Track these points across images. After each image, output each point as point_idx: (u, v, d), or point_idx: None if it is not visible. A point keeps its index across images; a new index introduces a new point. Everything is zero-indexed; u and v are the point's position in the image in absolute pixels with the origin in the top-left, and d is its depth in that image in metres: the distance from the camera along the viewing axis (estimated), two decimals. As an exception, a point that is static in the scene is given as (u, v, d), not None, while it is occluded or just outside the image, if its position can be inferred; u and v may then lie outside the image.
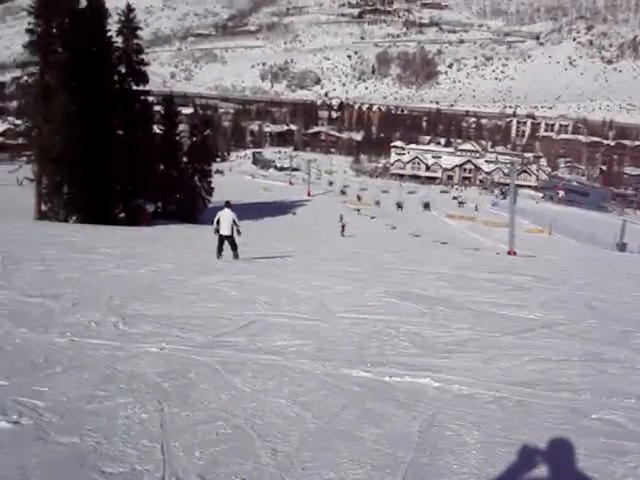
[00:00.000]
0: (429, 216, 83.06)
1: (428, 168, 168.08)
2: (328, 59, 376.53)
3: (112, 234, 26.89)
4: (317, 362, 7.05)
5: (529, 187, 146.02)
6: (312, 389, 6.09)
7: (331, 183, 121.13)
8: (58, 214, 39.75)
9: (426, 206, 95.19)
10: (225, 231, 17.93)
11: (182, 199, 53.09)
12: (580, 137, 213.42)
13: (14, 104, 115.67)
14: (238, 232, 18.24)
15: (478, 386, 6.45)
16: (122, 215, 45.06)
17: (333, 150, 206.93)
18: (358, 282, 14.40)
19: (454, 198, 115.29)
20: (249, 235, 34.34)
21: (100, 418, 4.99)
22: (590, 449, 4.95)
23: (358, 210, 79.51)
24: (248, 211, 57.68)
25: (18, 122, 42.81)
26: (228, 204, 18.83)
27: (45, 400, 5.29)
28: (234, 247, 18.10)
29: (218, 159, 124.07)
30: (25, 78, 40.45)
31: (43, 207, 39.89)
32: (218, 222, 18.09)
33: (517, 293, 14.42)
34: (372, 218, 69.82)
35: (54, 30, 39.48)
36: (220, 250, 17.98)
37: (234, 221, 18.05)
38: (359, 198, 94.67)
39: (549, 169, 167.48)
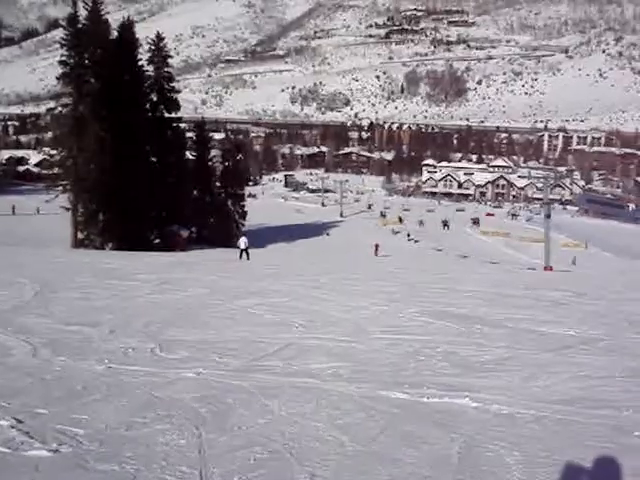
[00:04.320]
0: (463, 233, 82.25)
1: (460, 185, 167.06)
2: (357, 80, 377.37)
3: (148, 260, 27.12)
4: (354, 384, 7.02)
5: (564, 202, 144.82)
6: (349, 412, 6.06)
7: (370, 206, 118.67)
8: (94, 242, 40.17)
9: (475, 222, 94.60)
10: (242, 246, 31.51)
11: (216, 224, 53.31)
12: (613, 149, 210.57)
13: (49, 135, 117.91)
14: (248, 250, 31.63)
15: (518, 405, 6.37)
16: (157, 241, 45.41)
17: (364, 170, 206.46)
18: (393, 302, 14.34)
19: (488, 214, 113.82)
20: (282, 258, 34.52)
21: (139, 445, 5.02)
22: (634, 468, 4.85)
23: (394, 231, 78.15)
24: (281, 233, 57.93)
25: (53, 152, 43.47)
26: (244, 233, 35.84)
27: (84, 428, 5.33)
28: (248, 255, 31.24)
29: (251, 183, 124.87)
30: (59, 109, 41.09)
31: (79, 235, 40.36)
32: (240, 244, 31.88)
33: (555, 309, 14.25)
34: (415, 241, 67.34)
35: (87, 61, 40.09)
36: (241, 256, 31.08)
37: (247, 244, 31.76)
38: (401, 220, 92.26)
39: (583, 182, 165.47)
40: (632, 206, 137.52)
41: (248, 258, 30.78)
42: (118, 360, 7.83)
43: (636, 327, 11.94)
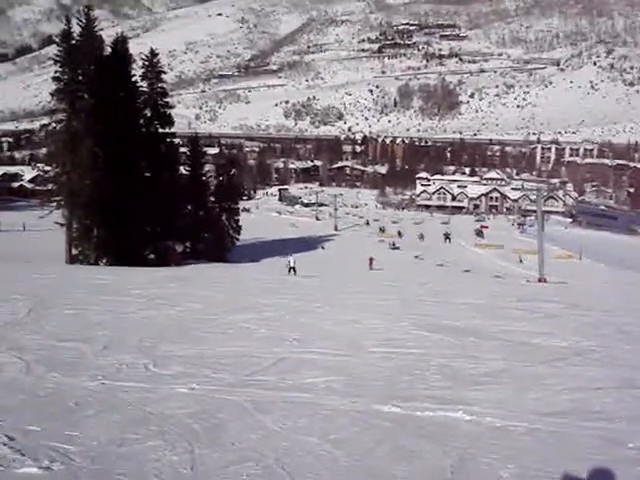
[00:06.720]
0: (458, 246, 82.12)
1: (454, 198, 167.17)
2: (350, 94, 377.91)
3: (142, 275, 27.02)
4: (347, 398, 7.01)
5: (557, 212, 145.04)
6: (343, 426, 6.05)
7: (368, 222, 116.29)
8: (89, 257, 40.06)
9: (479, 234, 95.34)
10: (292, 264, 34.70)
11: (210, 238, 53.25)
12: (605, 161, 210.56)
13: (43, 151, 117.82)
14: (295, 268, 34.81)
15: (511, 418, 6.37)
16: (151, 256, 45.32)
17: (358, 184, 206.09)
18: (387, 315, 14.33)
19: (483, 227, 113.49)
20: (277, 272, 34.53)
21: (131, 461, 5.00)
22: (628, 479, 4.85)
23: (393, 244, 77.58)
24: (276, 247, 57.85)
25: (47, 168, 43.53)
26: (291, 254, 37.18)
27: (76, 444, 5.31)
28: (295, 271, 34.18)
29: (245, 197, 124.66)
30: (53, 125, 41.08)
31: (74, 251, 40.25)
32: (289, 261, 35.30)
33: (548, 321, 14.26)
34: (416, 257, 64.07)
35: (80, 77, 40.09)
36: (289, 272, 34.01)
37: (295, 261, 35.09)
38: (400, 234, 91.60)
39: (576, 194, 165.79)
40: None
41: (295, 274, 33.67)
42: (111, 376, 7.81)
43: (629, 338, 11.96)
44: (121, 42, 44.26)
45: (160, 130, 47.09)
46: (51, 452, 5.11)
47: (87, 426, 5.82)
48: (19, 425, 5.77)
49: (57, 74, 39.98)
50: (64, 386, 7.31)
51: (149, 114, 46.74)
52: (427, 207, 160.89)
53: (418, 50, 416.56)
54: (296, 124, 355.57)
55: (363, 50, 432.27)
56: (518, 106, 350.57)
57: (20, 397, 6.79)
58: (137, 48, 60.58)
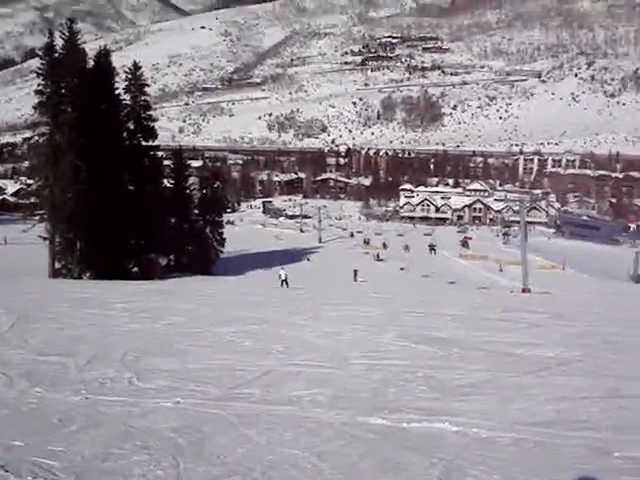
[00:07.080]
0: (442, 257, 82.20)
1: (438, 209, 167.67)
2: (333, 107, 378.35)
3: (125, 289, 26.88)
4: (333, 411, 6.99)
5: (540, 223, 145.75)
6: (328, 439, 6.02)
7: (352, 234, 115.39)
8: (72, 271, 39.81)
9: (464, 244, 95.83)
10: (283, 277, 36.30)
11: (194, 251, 53.09)
12: (587, 171, 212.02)
13: (26, 164, 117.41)
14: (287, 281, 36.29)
15: (497, 428, 6.37)
16: (135, 269, 45.11)
17: (342, 196, 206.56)
18: (372, 327, 14.32)
19: (466, 238, 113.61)
20: (261, 284, 34.47)
21: (115, 477, 4.95)
22: (614, 489, 4.86)
23: (377, 256, 77.28)
24: (260, 260, 57.79)
25: (30, 182, 43.35)
26: (282, 267, 39.15)
27: (60, 460, 5.25)
28: (287, 284, 35.67)
29: (229, 210, 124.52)
30: (36, 138, 40.93)
31: (57, 265, 40.00)
32: (280, 274, 36.86)
33: (532, 331, 14.30)
34: (401, 269, 63.55)
35: (63, 90, 39.98)
36: (281, 284, 35.41)
37: (286, 275, 36.63)
38: (385, 246, 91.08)
39: (559, 205, 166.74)
40: (633, 226, 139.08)
41: (288, 286, 35.13)
42: (95, 391, 7.75)
43: (614, 347, 12.02)
44: (104, 55, 44.13)
45: (143, 143, 46.93)
46: (35, 468, 5.06)
47: (71, 441, 5.77)
48: (2, 440, 5.71)
49: (40, 87, 39.84)
50: (47, 401, 7.24)
51: (132, 127, 46.60)
52: (411, 219, 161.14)
53: (401, 63, 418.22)
54: (280, 137, 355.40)
55: (346, 63, 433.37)
56: (500, 118, 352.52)
57: (3, 412, 6.73)
58: (120, 61, 60.58)
